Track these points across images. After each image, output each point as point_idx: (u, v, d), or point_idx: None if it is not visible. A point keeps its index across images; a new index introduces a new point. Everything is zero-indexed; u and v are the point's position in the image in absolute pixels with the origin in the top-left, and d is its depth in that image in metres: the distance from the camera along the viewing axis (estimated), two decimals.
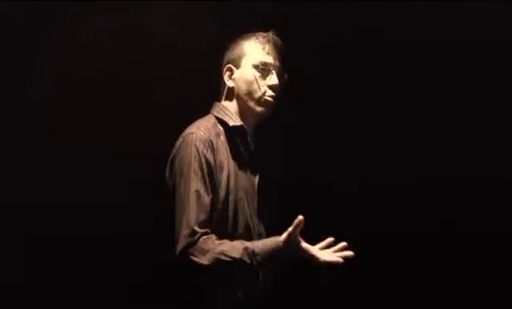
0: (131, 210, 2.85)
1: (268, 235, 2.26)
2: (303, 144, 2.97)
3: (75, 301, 2.87)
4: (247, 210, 2.25)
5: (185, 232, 2.11)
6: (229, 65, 2.33)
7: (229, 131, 2.28)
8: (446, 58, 2.91)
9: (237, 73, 2.31)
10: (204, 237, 2.11)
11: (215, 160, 2.20)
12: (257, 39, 2.31)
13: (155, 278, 2.56)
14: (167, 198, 2.21)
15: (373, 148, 2.97)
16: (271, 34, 2.33)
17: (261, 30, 2.34)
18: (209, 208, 2.15)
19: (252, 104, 2.29)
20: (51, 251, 2.84)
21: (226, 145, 2.26)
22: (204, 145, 2.19)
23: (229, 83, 2.33)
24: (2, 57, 2.81)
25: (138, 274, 2.87)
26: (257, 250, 2.10)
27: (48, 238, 2.84)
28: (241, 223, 2.23)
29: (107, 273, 2.89)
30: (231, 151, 2.26)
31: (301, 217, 2.08)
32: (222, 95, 2.36)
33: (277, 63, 2.31)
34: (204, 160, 2.18)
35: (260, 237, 2.25)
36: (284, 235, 2.09)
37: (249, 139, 2.32)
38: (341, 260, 2.13)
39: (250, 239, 2.21)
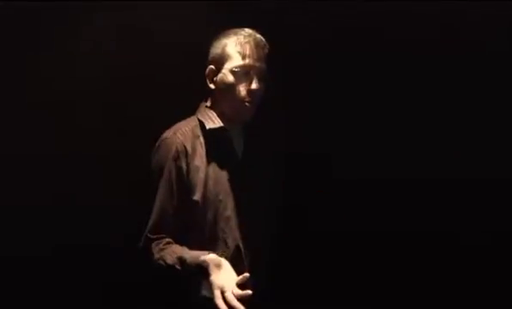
0: (131, 210, 2.86)
1: (265, 234, 2.27)
2: (303, 144, 2.97)
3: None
4: (230, 212, 2.24)
5: (142, 237, 2.20)
6: (211, 67, 2.32)
7: (209, 134, 2.27)
8: (445, 58, 2.90)
9: (218, 77, 2.30)
10: (156, 242, 2.17)
11: (188, 165, 2.21)
12: (237, 39, 2.27)
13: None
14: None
15: (372, 148, 2.97)
16: (252, 33, 2.29)
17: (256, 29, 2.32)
18: (169, 216, 2.20)
19: (231, 108, 2.29)
20: (49, 251, 2.84)
21: (204, 147, 2.25)
22: (177, 150, 2.21)
23: (211, 86, 2.32)
24: (1, 57, 2.82)
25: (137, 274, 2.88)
26: (188, 260, 2.10)
27: (46, 238, 2.85)
28: (222, 225, 2.23)
29: (108, 273, 2.90)
30: (211, 153, 2.25)
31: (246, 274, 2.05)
32: (208, 95, 2.36)
33: (259, 64, 2.27)
34: (173, 167, 2.21)
35: (246, 239, 2.25)
36: (207, 259, 2.07)
37: (234, 140, 2.30)
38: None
39: (234, 240, 2.23)
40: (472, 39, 2.83)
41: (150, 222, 2.20)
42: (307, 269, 2.90)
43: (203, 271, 2.07)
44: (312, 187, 2.93)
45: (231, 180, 2.27)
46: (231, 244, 2.23)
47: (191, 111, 2.42)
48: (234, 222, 2.24)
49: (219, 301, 1.99)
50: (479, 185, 2.88)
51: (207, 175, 2.22)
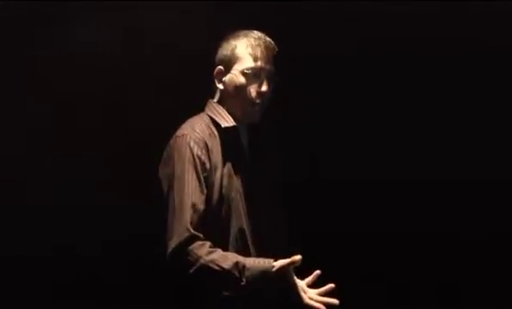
0: (131, 211, 2.86)
1: (274, 236, 2.28)
2: (303, 144, 2.97)
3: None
4: (241, 211, 2.23)
5: (179, 231, 2.09)
6: (220, 67, 2.31)
7: (222, 132, 2.27)
8: (446, 58, 2.91)
9: (227, 77, 2.29)
10: (200, 242, 2.10)
11: (210, 161, 2.21)
12: (248, 41, 2.27)
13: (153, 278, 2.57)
14: (159, 198, 2.20)
15: (373, 148, 2.97)
16: (262, 36, 2.28)
17: (257, 29, 2.31)
18: (201, 210, 2.14)
19: (240, 109, 2.28)
20: (50, 251, 2.84)
21: (219, 145, 2.25)
22: (199, 146, 2.19)
23: (220, 86, 2.32)
24: (1, 57, 2.82)
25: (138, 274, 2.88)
26: (247, 265, 2.07)
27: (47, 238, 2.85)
28: (234, 223, 2.22)
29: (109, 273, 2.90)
30: (225, 151, 2.25)
31: (299, 257, 2.05)
32: (215, 94, 2.35)
33: (268, 66, 2.26)
34: (198, 162, 2.17)
35: (256, 237, 2.25)
36: (278, 264, 2.06)
37: (243, 139, 2.31)
38: (323, 308, 2.07)
39: (243, 239, 2.22)
40: (472, 38, 2.84)
41: (188, 218, 2.11)
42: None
43: (266, 277, 2.05)
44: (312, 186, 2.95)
45: (242, 178, 2.27)
46: (241, 241, 2.22)
47: (191, 110, 2.42)
48: (245, 220, 2.24)
49: (312, 302, 2.07)
50: (478, 186, 2.90)
51: (222, 173, 2.23)
